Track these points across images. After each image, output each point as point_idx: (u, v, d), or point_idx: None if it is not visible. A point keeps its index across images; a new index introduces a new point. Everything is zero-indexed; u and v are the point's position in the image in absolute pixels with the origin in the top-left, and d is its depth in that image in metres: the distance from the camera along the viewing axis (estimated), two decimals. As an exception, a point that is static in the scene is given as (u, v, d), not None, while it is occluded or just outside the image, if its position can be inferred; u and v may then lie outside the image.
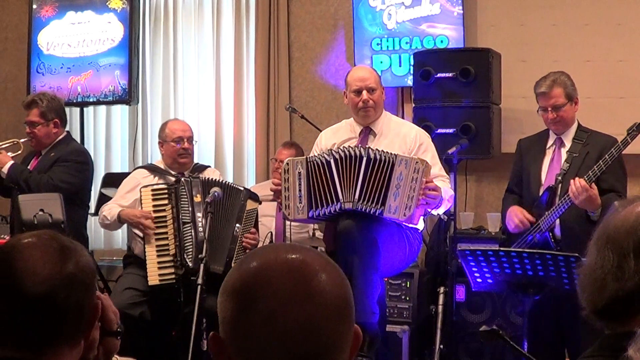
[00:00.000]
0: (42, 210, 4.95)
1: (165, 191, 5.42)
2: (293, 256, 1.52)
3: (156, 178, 5.71)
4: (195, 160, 5.97)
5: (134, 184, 5.67)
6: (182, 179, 5.44)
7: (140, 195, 5.43)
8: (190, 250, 5.22)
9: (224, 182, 5.59)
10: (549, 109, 5.15)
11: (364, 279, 4.57)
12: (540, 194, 5.17)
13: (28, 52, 7.76)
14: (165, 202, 5.38)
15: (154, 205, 5.38)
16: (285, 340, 1.45)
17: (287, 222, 5.81)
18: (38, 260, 1.85)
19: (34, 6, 7.74)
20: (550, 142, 5.31)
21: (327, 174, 4.84)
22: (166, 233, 5.33)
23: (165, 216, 5.36)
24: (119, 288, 5.41)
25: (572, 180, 4.87)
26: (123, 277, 5.58)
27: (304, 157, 5.04)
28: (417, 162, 4.73)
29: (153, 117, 7.84)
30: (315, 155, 4.99)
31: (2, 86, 8.34)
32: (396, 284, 5.94)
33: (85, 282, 1.90)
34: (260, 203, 5.61)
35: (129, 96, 7.41)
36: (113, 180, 6.66)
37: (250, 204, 5.49)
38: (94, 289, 1.95)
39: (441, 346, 5.32)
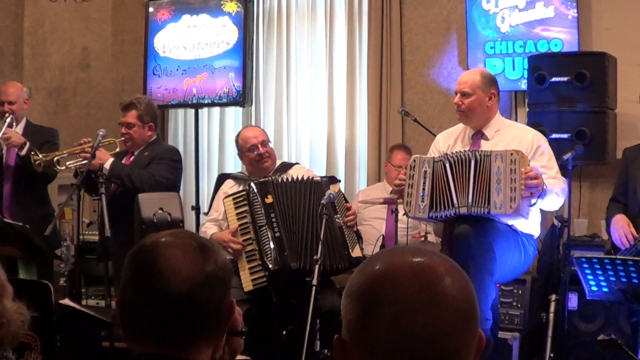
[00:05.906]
0: (161, 209, 5.08)
1: (243, 198, 5.42)
2: (418, 259, 1.50)
3: (241, 186, 5.71)
4: (306, 162, 5.94)
5: (223, 196, 5.68)
6: (251, 183, 5.44)
7: (224, 207, 5.48)
8: (269, 252, 5.22)
9: (297, 179, 5.50)
10: None
11: (479, 284, 4.54)
12: None
13: (145, 54, 7.91)
14: (246, 208, 5.38)
15: (237, 214, 5.39)
16: (411, 345, 1.43)
17: (398, 225, 5.82)
18: (180, 259, 1.86)
19: (150, 9, 7.89)
20: None
21: (445, 178, 4.86)
22: (251, 238, 5.33)
23: (247, 222, 5.36)
24: None
25: None
26: None
27: (432, 156, 5.05)
28: (511, 153, 4.70)
29: (266, 119, 7.93)
30: (439, 157, 5.00)
31: (119, 88, 8.53)
32: (508, 290, 5.88)
33: (224, 281, 1.92)
34: (339, 181, 5.52)
35: (242, 98, 7.49)
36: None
37: (333, 188, 5.38)
38: (230, 288, 1.96)
39: (551, 354, 5.26)
